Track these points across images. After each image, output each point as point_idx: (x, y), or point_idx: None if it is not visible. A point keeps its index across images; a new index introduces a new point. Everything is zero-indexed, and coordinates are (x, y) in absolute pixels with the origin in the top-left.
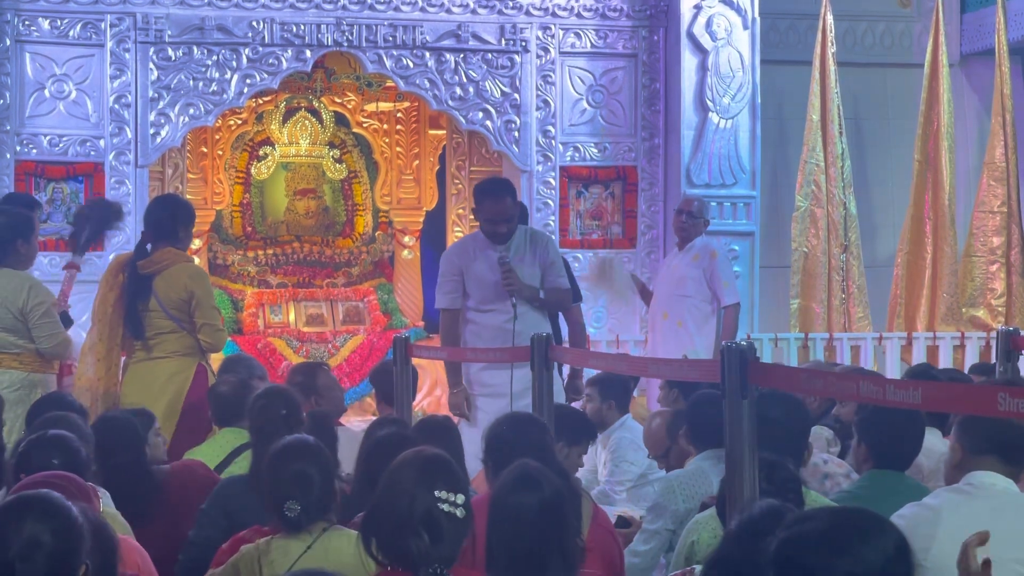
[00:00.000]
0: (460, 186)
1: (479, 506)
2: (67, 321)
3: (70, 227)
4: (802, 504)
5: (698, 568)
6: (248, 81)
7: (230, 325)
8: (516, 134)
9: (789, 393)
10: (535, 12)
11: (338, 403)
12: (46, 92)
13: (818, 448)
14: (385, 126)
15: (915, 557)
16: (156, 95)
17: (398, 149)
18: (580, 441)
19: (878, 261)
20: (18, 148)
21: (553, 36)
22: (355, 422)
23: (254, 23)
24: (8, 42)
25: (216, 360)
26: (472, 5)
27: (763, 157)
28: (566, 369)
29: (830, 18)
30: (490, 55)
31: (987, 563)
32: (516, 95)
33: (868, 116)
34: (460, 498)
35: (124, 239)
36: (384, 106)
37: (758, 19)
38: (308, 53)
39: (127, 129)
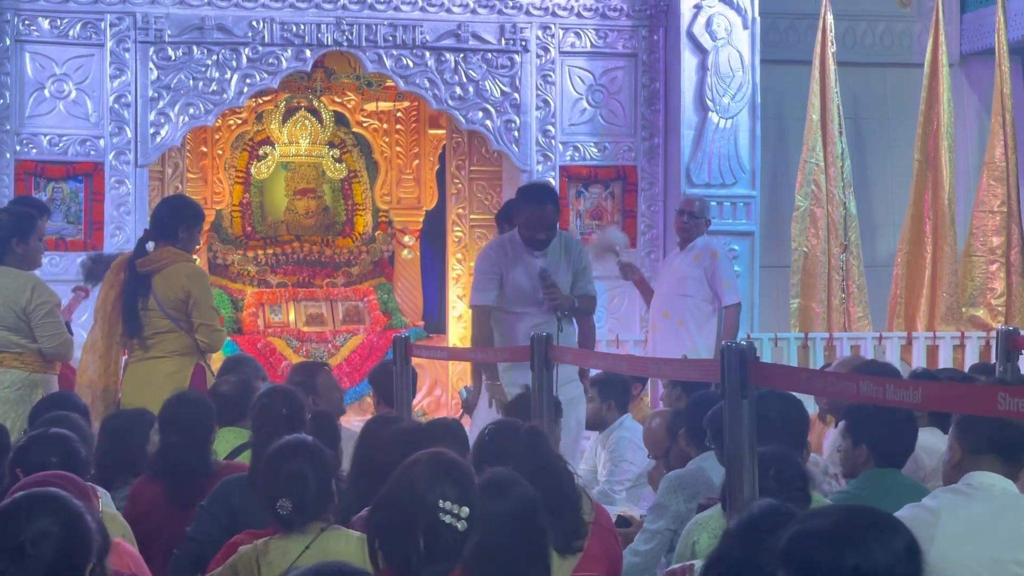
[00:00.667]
0: (460, 186)
1: None
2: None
3: (70, 227)
4: (808, 501)
5: (697, 564)
6: (248, 81)
7: (230, 325)
8: (516, 134)
9: (787, 393)
10: (535, 12)
11: (337, 404)
12: (46, 92)
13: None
14: (385, 126)
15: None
16: (156, 95)
17: (398, 149)
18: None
19: (878, 261)
20: (18, 148)
21: (553, 36)
22: (355, 422)
23: (254, 23)
24: (8, 42)
25: (216, 360)
26: (472, 5)
27: (763, 157)
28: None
29: (830, 18)
30: (490, 55)
31: None
32: (516, 95)
33: (868, 116)
34: (464, 511)
35: (124, 238)
36: (384, 106)
37: (758, 19)
38: (308, 53)
39: (127, 129)
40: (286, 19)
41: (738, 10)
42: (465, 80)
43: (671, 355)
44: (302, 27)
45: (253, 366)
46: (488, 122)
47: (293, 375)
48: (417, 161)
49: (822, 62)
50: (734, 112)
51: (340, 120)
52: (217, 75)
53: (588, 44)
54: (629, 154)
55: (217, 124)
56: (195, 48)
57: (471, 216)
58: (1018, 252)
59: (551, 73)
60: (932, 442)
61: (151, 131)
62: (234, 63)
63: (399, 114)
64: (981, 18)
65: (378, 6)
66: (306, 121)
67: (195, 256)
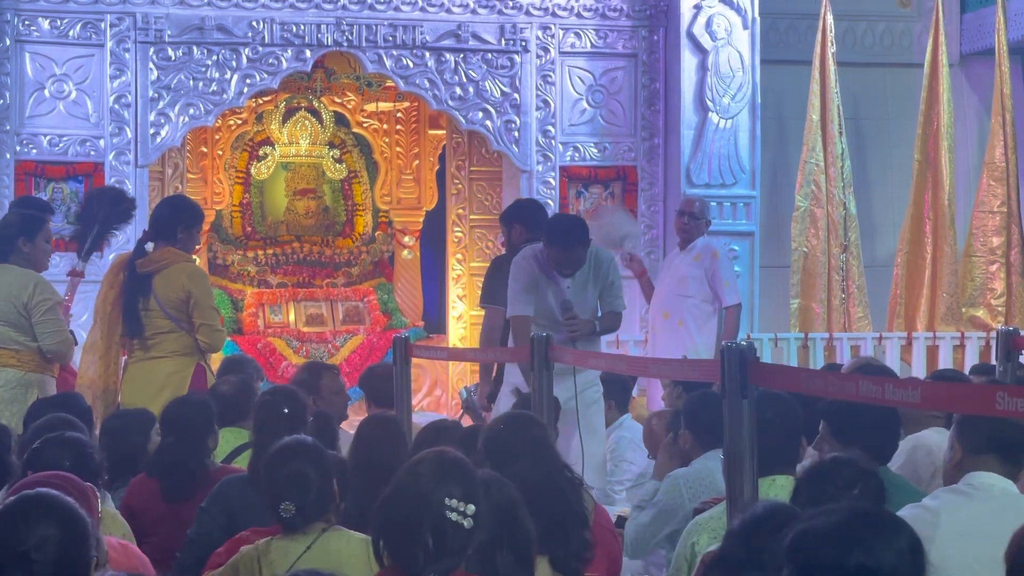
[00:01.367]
0: (460, 186)
1: None
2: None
3: (70, 227)
4: (881, 501)
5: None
6: (248, 81)
7: (230, 325)
8: (516, 134)
9: (782, 393)
10: (535, 12)
11: (339, 407)
12: (46, 92)
13: None
14: (385, 126)
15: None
16: (156, 95)
17: (398, 149)
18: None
19: (878, 261)
20: (18, 148)
21: (553, 36)
22: (356, 423)
23: (254, 23)
24: (8, 42)
25: (215, 360)
26: (472, 5)
27: (763, 157)
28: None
29: (830, 18)
30: (490, 55)
31: None
32: (516, 95)
33: (868, 116)
34: (471, 508)
35: (124, 239)
36: (384, 106)
37: (758, 19)
38: (308, 53)
39: (127, 129)
40: (286, 19)
41: (738, 10)
42: (465, 80)
43: (671, 355)
44: (302, 27)
45: (252, 366)
46: (488, 122)
47: (298, 374)
48: (417, 161)
49: (822, 62)
50: (734, 112)
51: (340, 120)
52: (217, 75)
53: (588, 44)
54: (629, 154)
55: (217, 124)
56: (195, 48)
57: (471, 216)
58: (1018, 252)
59: (551, 73)
60: (939, 442)
61: (151, 131)
62: (234, 63)
63: (399, 114)
64: (981, 18)
65: (378, 6)
66: (306, 121)
67: (195, 256)
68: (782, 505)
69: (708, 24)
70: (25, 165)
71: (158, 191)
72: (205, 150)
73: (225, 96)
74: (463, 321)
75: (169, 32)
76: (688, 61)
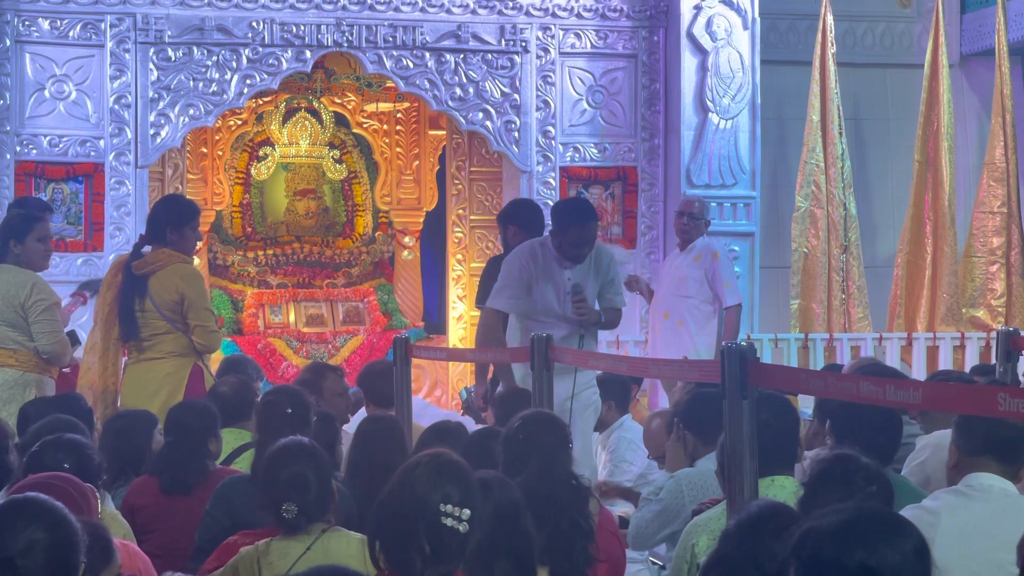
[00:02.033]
0: (460, 186)
1: None
2: (73, 340)
3: (70, 227)
4: (891, 499)
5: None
6: (248, 81)
7: (230, 325)
8: (516, 134)
9: (778, 394)
10: (535, 12)
11: (341, 408)
12: (46, 92)
13: None
14: (385, 126)
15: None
16: (156, 95)
17: (398, 150)
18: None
19: (878, 261)
20: (18, 148)
21: (553, 36)
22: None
23: (254, 23)
24: (8, 42)
25: (215, 361)
26: (472, 5)
27: (763, 157)
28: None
29: (830, 18)
30: (490, 55)
31: None
32: (516, 95)
33: (868, 116)
34: (466, 513)
35: (124, 239)
36: (384, 106)
37: (758, 19)
38: (308, 54)
39: (127, 129)
40: (286, 20)
41: (738, 11)
42: (465, 81)
43: (671, 356)
44: (302, 28)
45: (252, 367)
46: (488, 123)
47: (302, 374)
48: (417, 162)
49: (822, 63)
50: (734, 113)
51: (340, 121)
52: (217, 76)
53: (588, 45)
54: (629, 155)
55: (217, 125)
56: (195, 49)
57: (471, 217)
58: (1018, 253)
59: (551, 74)
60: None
61: (151, 132)
62: (234, 64)
63: (399, 115)
64: (981, 19)
65: (378, 7)
66: (306, 122)
67: (195, 257)
68: (777, 505)
69: (708, 25)
70: (25, 166)
71: (158, 192)
72: (205, 151)
73: (225, 97)
74: (463, 321)
75: (169, 33)
76: (688, 62)
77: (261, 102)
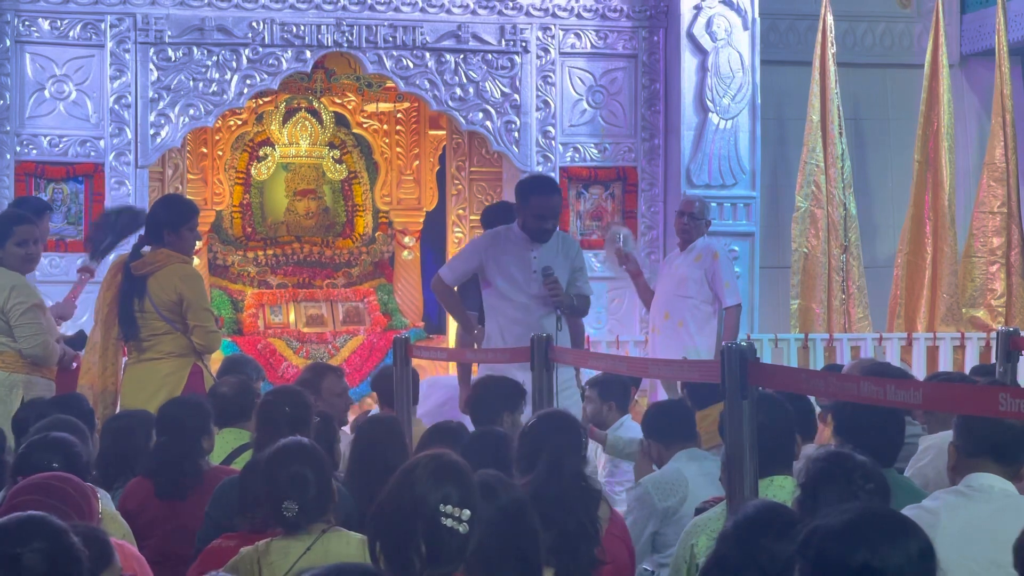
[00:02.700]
0: (460, 187)
1: None
2: (81, 339)
3: (70, 228)
4: (888, 496)
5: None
6: (248, 82)
7: (230, 326)
8: (516, 135)
9: (775, 394)
10: (535, 13)
11: (340, 409)
12: (46, 92)
13: None
14: (385, 127)
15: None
16: (156, 96)
17: (398, 150)
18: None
19: (878, 261)
20: (18, 148)
21: (553, 37)
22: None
23: (254, 24)
24: (8, 42)
25: (216, 361)
26: (472, 6)
27: (763, 158)
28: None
29: (830, 18)
30: (490, 56)
31: None
32: (516, 96)
33: (868, 117)
34: (466, 514)
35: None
36: (384, 107)
37: (758, 19)
38: (308, 54)
39: (127, 130)
40: (286, 20)
41: (738, 11)
42: (465, 81)
43: (671, 356)
44: (302, 28)
45: (252, 366)
46: (488, 123)
47: (302, 374)
48: (417, 162)
49: (822, 63)
50: (734, 113)
51: (340, 121)
52: (217, 76)
53: (588, 45)
54: (629, 155)
55: (217, 125)
56: (195, 49)
57: (471, 217)
58: (1018, 253)
59: (551, 74)
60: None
61: (151, 132)
62: (234, 64)
63: (399, 115)
64: (981, 19)
65: (378, 7)
66: (306, 122)
67: (195, 257)
68: (774, 505)
69: (708, 25)
70: (25, 166)
71: (158, 192)
72: (205, 151)
73: (225, 97)
74: None
75: (169, 33)
76: (688, 62)
77: (261, 102)
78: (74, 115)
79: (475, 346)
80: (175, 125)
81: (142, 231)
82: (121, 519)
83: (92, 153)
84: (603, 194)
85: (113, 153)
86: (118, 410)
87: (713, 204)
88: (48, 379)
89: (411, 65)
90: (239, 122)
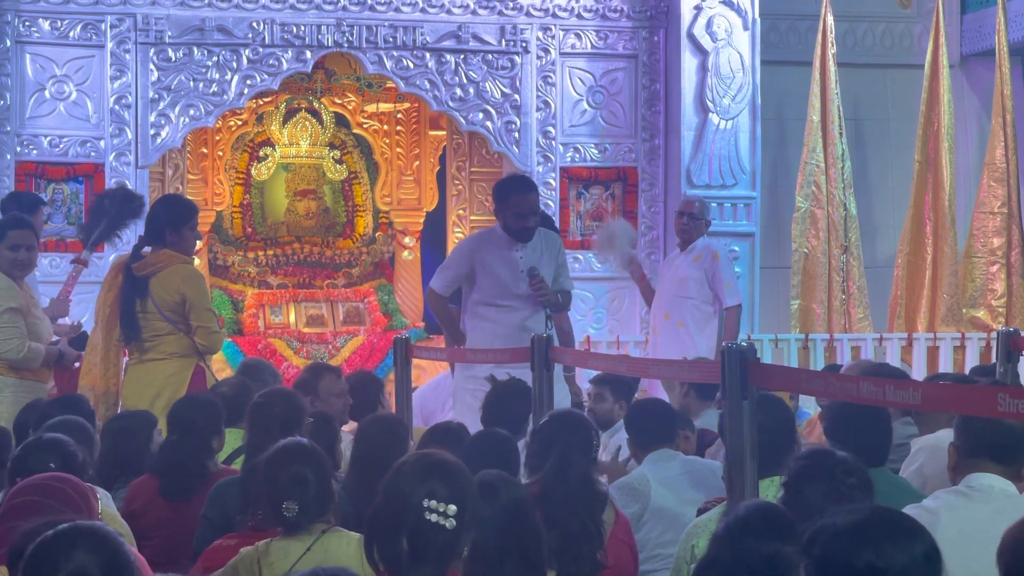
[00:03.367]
0: (460, 187)
1: None
2: (83, 339)
3: (71, 228)
4: (871, 492)
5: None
6: (248, 82)
7: (230, 326)
8: (516, 135)
9: (772, 395)
10: (535, 13)
11: (339, 408)
12: (46, 93)
13: None
14: (385, 127)
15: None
16: (156, 96)
17: (398, 150)
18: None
19: (878, 262)
20: (18, 149)
21: (553, 37)
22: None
23: (254, 24)
24: (8, 43)
25: (217, 361)
26: (472, 6)
27: (763, 158)
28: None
29: (830, 19)
30: (490, 56)
31: None
32: (516, 96)
33: (868, 117)
34: (452, 509)
35: (124, 240)
36: (384, 107)
37: (758, 20)
38: (308, 54)
39: (127, 130)
40: (286, 20)
41: (738, 11)
42: (465, 81)
43: (671, 356)
44: (302, 28)
45: (270, 372)
46: (488, 123)
47: (301, 374)
48: (417, 162)
49: (822, 63)
50: (734, 113)
51: (340, 121)
52: (217, 76)
53: (588, 45)
54: (629, 155)
55: (217, 125)
56: (195, 49)
57: (471, 217)
58: (1018, 253)
59: (551, 74)
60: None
61: (151, 132)
62: (234, 64)
63: (399, 115)
64: (981, 19)
65: (378, 7)
66: (306, 122)
67: (195, 257)
68: (768, 506)
69: (708, 25)
70: (25, 166)
71: (158, 192)
72: (205, 151)
73: (225, 97)
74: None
75: (169, 33)
76: (688, 62)
77: (261, 102)
78: (74, 115)
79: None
80: (175, 125)
81: (138, 220)
82: (121, 520)
83: (92, 153)
84: (603, 194)
85: (113, 153)
86: (120, 411)
87: (713, 204)
88: (36, 381)
89: (411, 65)
90: (239, 122)
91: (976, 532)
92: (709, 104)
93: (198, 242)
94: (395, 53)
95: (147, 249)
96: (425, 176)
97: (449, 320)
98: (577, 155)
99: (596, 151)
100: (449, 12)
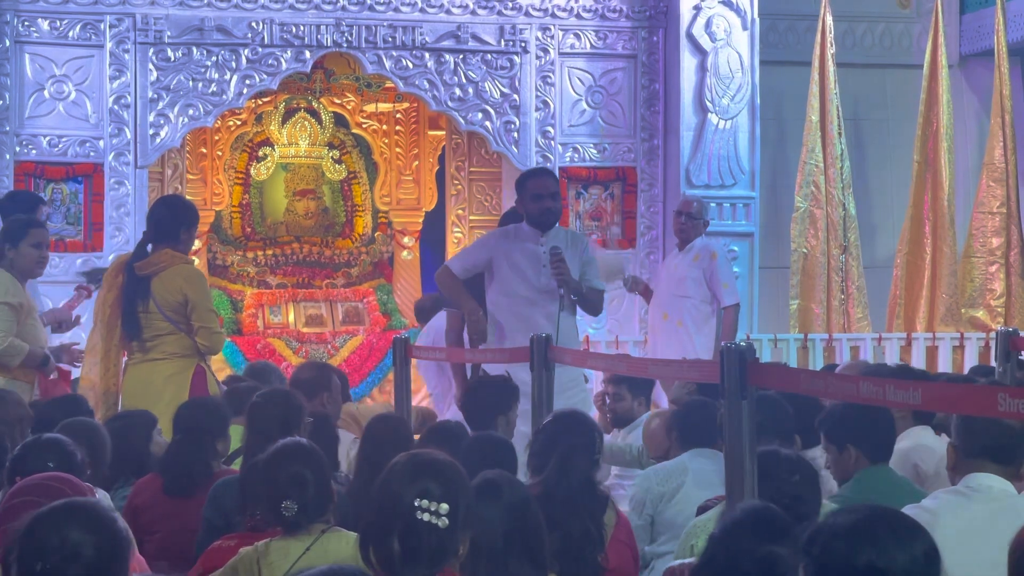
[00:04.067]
0: (459, 187)
1: None
2: (98, 274)
3: (70, 228)
4: (817, 495)
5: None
6: (247, 82)
7: (229, 326)
8: (515, 135)
9: (773, 395)
10: (534, 13)
11: (339, 407)
12: (46, 93)
13: None
14: (384, 127)
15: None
16: (155, 96)
17: (397, 150)
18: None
19: (877, 262)
20: (17, 149)
21: (552, 37)
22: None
23: (253, 24)
24: (8, 43)
25: (218, 361)
26: (471, 6)
27: (762, 158)
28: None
29: (829, 19)
30: (489, 56)
31: None
32: (515, 96)
33: (867, 117)
34: (444, 507)
35: (124, 240)
36: (383, 107)
37: (757, 20)
38: (307, 54)
39: (126, 130)
40: (286, 20)
41: (737, 11)
42: (465, 81)
43: (670, 356)
44: (301, 28)
45: (277, 376)
46: (488, 123)
47: (307, 371)
48: (417, 162)
49: (821, 63)
50: (733, 113)
51: (339, 121)
52: (216, 76)
53: (588, 45)
54: (629, 155)
55: (217, 125)
56: (195, 49)
57: (471, 217)
58: (1017, 253)
59: (551, 74)
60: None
61: (151, 132)
62: (233, 64)
63: (398, 115)
64: (980, 19)
65: (377, 7)
66: (305, 122)
67: (194, 257)
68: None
69: (708, 25)
70: (25, 166)
71: (158, 192)
72: (204, 151)
73: (224, 97)
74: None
75: (169, 33)
76: (687, 62)
77: (260, 102)
78: (73, 115)
79: (481, 334)
80: (174, 125)
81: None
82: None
83: (92, 153)
84: (602, 194)
85: (112, 153)
86: (120, 410)
87: (712, 204)
88: (25, 382)
89: (410, 65)
90: (238, 122)
91: (975, 532)
92: (708, 104)
93: (196, 242)
94: (394, 53)
95: (149, 248)
96: (424, 176)
97: (460, 291)
98: (576, 155)
99: (595, 151)
100: (448, 12)
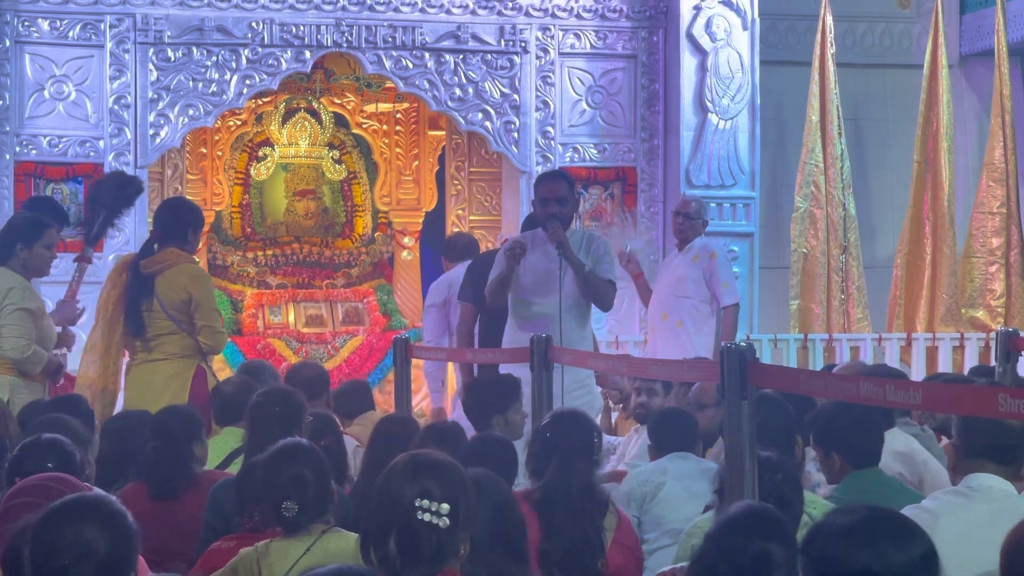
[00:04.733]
0: (459, 187)
1: None
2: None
3: (70, 229)
4: (800, 495)
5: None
6: (247, 82)
7: (229, 326)
8: (515, 135)
9: (773, 394)
10: (534, 13)
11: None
12: (46, 93)
13: None
14: (384, 127)
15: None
16: (155, 96)
17: (397, 150)
18: None
19: (877, 262)
20: (17, 149)
21: (552, 37)
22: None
23: (254, 24)
24: (8, 43)
25: (217, 361)
26: (471, 6)
27: (762, 158)
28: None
29: (829, 19)
30: (489, 56)
31: None
32: (515, 96)
33: (867, 117)
34: (444, 507)
35: (123, 239)
36: (383, 107)
37: (757, 20)
38: (307, 54)
39: (126, 130)
40: (286, 20)
41: (738, 11)
42: (465, 81)
43: (670, 356)
44: (302, 28)
45: (271, 374)
46: (488, 123)
47: (311, 369)
48: (417, 162)
49: (821, 63)
50: (733, 113)
51: (340, 121)
52: (217, 76)
53: (588, 45)
54: (629, 155)
55: (217, 125)
56: (195, 49)
57: (471, 217)
58: (1017, 253)
59: (551, 74)
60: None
61: (151, 132)
62: (234, 64)
63: (399, 115)
64: (980, 19)
65: (377, 7)
66: (305, 122)
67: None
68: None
69: (708, 25)
70: (25, 166)
71: (158, 192)
72: (204, 151)
73: (225, 97)
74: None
75: (169, 33)
76: (688, 62)
77: (260, 102)
78: (74, 115)
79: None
80: (174, 125)
81: (132, 208)
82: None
83: (92, 153)
84: (602, 194)
85: (112, 153)
86: (119, 410)
87: (712, 204)
88: (37, 382)
89: (410, 65)
90: (238, 122)
91: (975, 532)
92: (708, 104)
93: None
94: (394, 53)
95: (156, 246)
96: (424, 176)
97: (501, 279)
98: (576, 155)
99: (595, 151)
100: (448, 12)
